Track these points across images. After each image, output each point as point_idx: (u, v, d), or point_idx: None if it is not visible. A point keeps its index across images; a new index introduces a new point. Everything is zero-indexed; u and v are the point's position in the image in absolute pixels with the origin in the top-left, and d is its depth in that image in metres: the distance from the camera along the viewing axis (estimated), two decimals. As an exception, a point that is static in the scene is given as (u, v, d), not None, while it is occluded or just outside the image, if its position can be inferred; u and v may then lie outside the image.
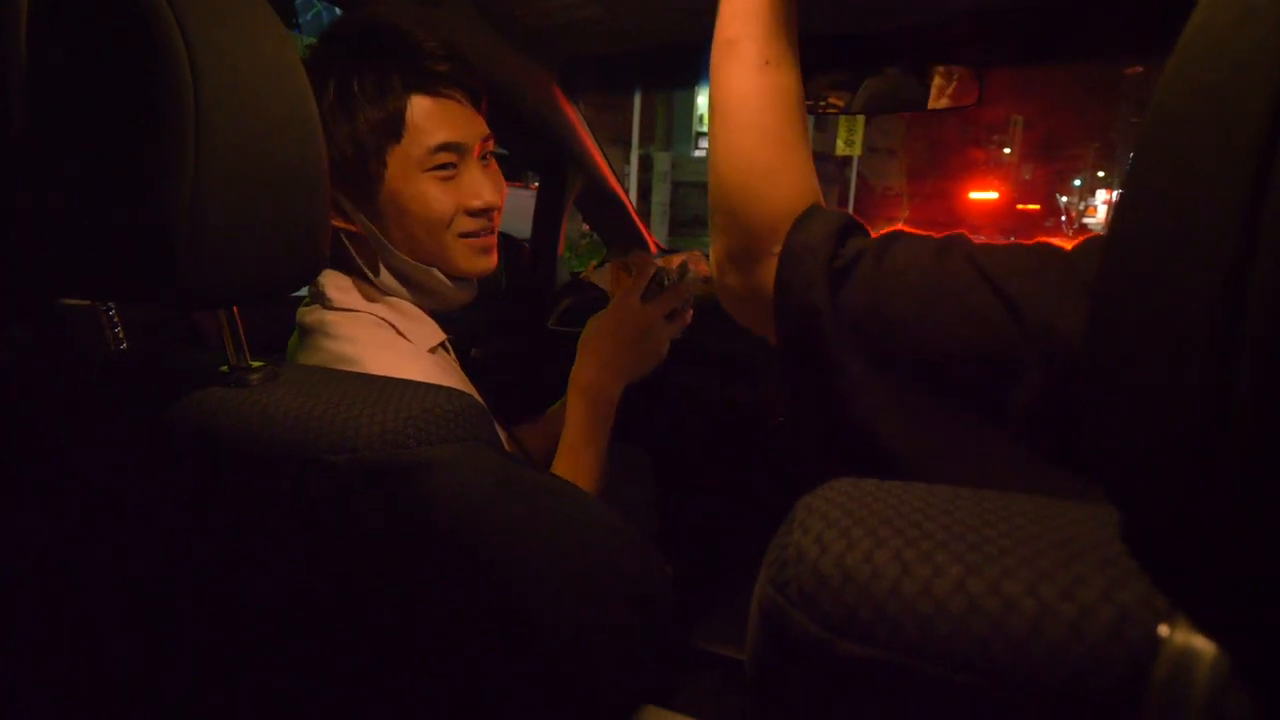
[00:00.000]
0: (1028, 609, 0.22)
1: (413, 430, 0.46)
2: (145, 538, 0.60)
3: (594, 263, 0.98)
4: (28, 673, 0.69)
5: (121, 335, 0.60)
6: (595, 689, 0.57)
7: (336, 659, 0.57)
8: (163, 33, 0.42)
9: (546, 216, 1.73)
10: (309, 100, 0.50)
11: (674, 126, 16.70)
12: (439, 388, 0.51)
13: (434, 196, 0.81)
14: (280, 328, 0.86)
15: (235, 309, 0.52)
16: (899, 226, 0.51)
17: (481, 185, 0.84)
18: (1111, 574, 0.23)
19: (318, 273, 0.53)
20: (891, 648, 0.24)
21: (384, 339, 0.80)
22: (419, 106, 0.78)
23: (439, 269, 0.85)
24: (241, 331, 0.53)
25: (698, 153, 18.27)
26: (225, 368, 0.53)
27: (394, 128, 0.78)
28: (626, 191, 1.86)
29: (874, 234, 0.52)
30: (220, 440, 0.50)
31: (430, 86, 0.79)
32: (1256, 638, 0.19)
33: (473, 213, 0.84)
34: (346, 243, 0.84)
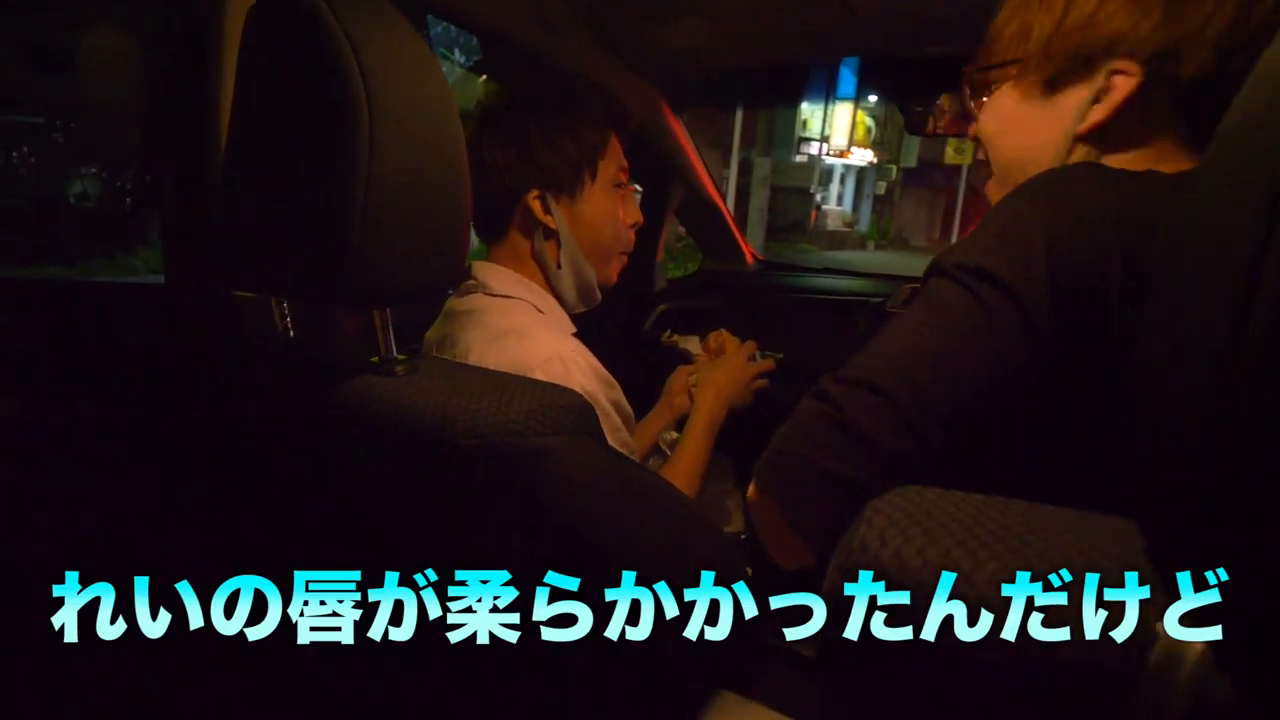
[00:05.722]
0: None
1: (531, 422, 0.53)
2: (302, 499, 0.70)
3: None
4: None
5: (291, 325, 0.70)
6: (677, 669, 0.63)
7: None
8: (348, 75, 0.51)
9: (648, 225, 1.79)
10: (458, 133, 0.58)
11: (775, 131, 16.45)
12: (554, 386, 0.58)
13: (616, 210, 1.02)
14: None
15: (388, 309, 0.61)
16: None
17: (634, 206, 1.08)
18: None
19: (457, 280, 0.62)
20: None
21: (543, 319, 0.94)
22: (613, 138, 1.01)
23: (595, 276, 1.03)
24: (391, 328, 0.61)
25: (798, 158, 17.88)
26: (375, 358, 0.62)
27: (604, 148, 0.99)
28: (724, 197, 1.91)
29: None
30: (370, 421, 0.58)
31: (618, 126, 1.02)
32: (1243, 634, 0.23)
33: (629, 228, 1.05)
34: (539, 237, 0.98)
